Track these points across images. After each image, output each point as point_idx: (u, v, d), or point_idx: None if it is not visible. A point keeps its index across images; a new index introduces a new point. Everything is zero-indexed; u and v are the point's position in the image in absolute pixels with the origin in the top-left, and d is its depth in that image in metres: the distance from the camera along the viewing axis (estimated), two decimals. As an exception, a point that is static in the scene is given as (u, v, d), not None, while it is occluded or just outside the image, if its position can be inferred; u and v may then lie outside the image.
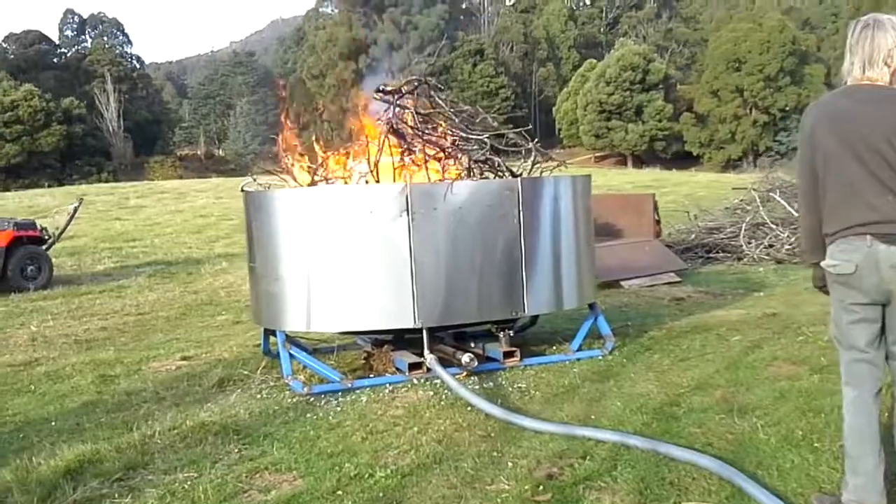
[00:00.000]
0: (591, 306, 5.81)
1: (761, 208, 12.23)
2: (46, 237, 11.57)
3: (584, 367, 5.25)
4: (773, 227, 11.72)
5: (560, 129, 64.62)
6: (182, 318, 8.49)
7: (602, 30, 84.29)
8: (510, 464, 3.62)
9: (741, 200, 13.48)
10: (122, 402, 5.14)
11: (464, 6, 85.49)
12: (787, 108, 59.71)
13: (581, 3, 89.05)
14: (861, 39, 2.86)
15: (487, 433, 4.05)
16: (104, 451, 4.06)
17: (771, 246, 11.41)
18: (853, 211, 2.81)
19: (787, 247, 11.12)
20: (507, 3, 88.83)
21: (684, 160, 60.58)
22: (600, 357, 5.49)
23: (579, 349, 5.58)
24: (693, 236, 12.55)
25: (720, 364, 5.13)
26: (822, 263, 2.93)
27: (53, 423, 4.75)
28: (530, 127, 6.02)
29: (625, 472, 3.46)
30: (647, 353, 5.58)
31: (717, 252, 11.83)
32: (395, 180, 5.31)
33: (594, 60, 66.29)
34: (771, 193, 12.52)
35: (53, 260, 12.02)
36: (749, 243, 11.59)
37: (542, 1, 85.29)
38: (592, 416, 4.23)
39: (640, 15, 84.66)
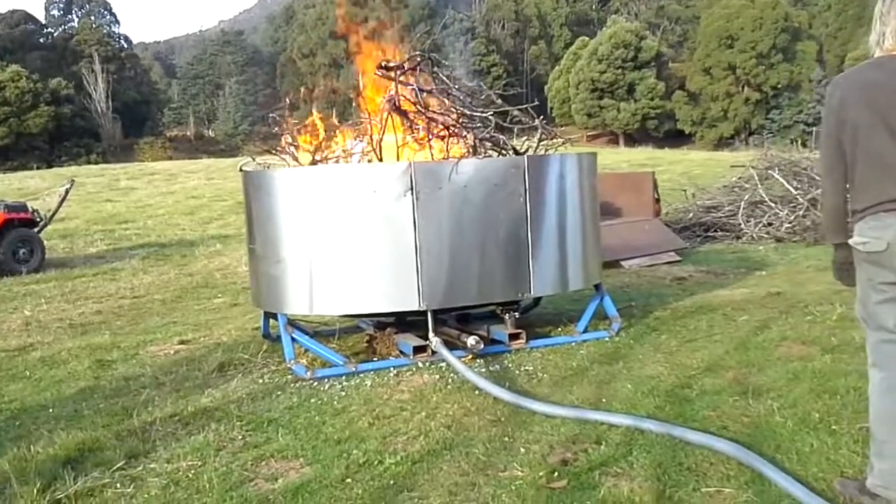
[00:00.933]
0: (597, 287, 5.72)
1: (760, 186, 12.15)
2: (38, 219, 11.40)
3: (591, 349, 5.17)
4: (772, 205, 11.65)
5: (552, 108, 64.32)
6: (178, 301, 8.37)
7: (594, 7, 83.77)
8: (522, 449, 3.54)
9: (739, 178, 13.39)
10: (121, 388, 5.03)
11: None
12: (780, 86, 59.62)
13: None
14: (892, 8, 2.74)
15: (497, 418, 3.96)
16: (104, 439, 3.96)
17: (770, 224, 11.34)
18: (885, 186, 2.71)
19: (786, 225, 11.06)
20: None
21: (676, 138, 60.50)
22: (607, 338, 5.40)
23: (585, 330, 5.50)
24: (691, 215, 12.47)
25: (729, 345, 5.05)
26: (851, 241, 2.83)
27: (51, 410, 4.64)
28: (536, 103, 5.88)
29: (640, 457, 3.38)
30: (654, 333, 5.50)
31: (716, 231, 11.77)
32: (398, 159, 5.18)
33: (586, 38, 65.91)
34: (769, 171, 12.43)
35: (46, 242, 11.87)
36: (748, 222, 11.52)
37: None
38: (603, 400, 4.14)
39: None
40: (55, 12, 77.77)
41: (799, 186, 11.84)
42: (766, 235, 11.10)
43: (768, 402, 3.89)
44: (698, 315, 5.99)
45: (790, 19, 60.80)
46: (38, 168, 39.51)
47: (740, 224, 11.51)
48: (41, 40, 72.32)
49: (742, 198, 12.12)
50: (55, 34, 74.68)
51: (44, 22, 75.22)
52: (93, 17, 76.10)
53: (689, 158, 29.72)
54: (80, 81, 61.91)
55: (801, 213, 11.21)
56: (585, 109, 61.66)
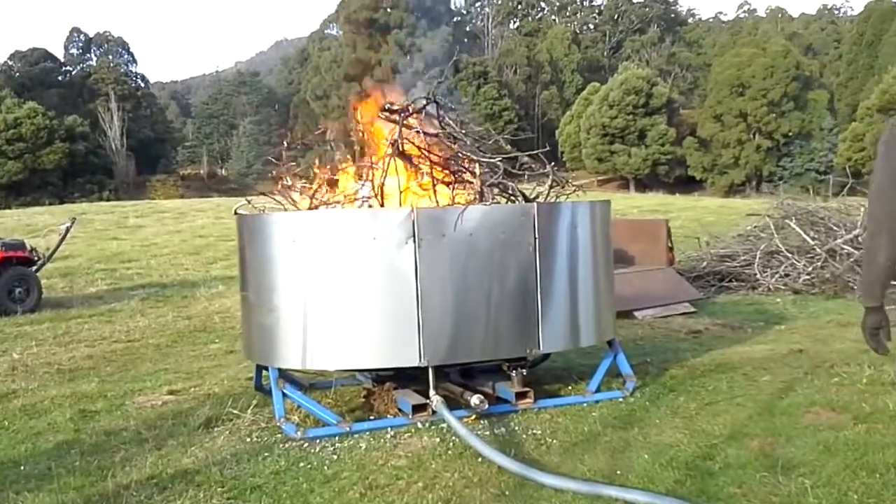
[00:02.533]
0: (610, 343, 5.39)
1: (776, 236, 11.83)
2: (36, 258, 11.16)
3: (604, 411, 4.82)
4: (789, 255, 11.32)
5: (563, 153, 64.40)
6: (173, 346, 8.07)
7: (605, 53, 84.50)
8: (528, 530, 3.20)
9: (755, 227, 13.08)
10: (101, 444, 4.71)
11: (468, 29, 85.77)
12: (791, 134, 59.55)
13: (584, 27, 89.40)
14: None
15: (501, 491, 3.62)
16: (72, 506, 3.64)
17: (787, 275, 10.99)
18: None
19: (804, 277, 10.71)
20: (511, 26, 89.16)
21: (687, 185, 60.35)
22: (621, 399, 5.05)
23: (598, 390, 5.15)
24: (705, 264, 12.12)
25: (752, 409, 4.69)
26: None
27: (22, 468, 4.33)
28: (547, 149, 5.63)
29: (660, 542, 3.03)
30: (671, 395, 5.14)
31: (730, 280, 11.41)
32: (400, 204, 4.92)
33: (597, 84, 66.23)
34: (786, 220, 12.12)
35: (45, 281, 11.62)
36: (764, 272, 11.17)
37: (545, 24, 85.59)
38: (618, 471, 3.79)
39: (643, 39, 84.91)
40: (74, 51, 79.00)
41: (816, 237, 11.51)
42: (783, 287, 10.73)
43: (799, 479, 3.53)
44: (717, 374, 5.63)
45: (801, 68, 60.97)
46: (50, 204, 39.63)
47: (756, 274, 11.16)
48: (59, 78, 73.21)
49: (758, 247, 11.79)
50: (73, 72, 75.67)
51: (62, 60, 76.28)
52: (111, 57, 77.24)
53: (702, 205, 29.42)
54: (95, 119, 62.50)
55: (819, 264, 10.86)
56: (596, 154, 61.69)
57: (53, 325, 9.49)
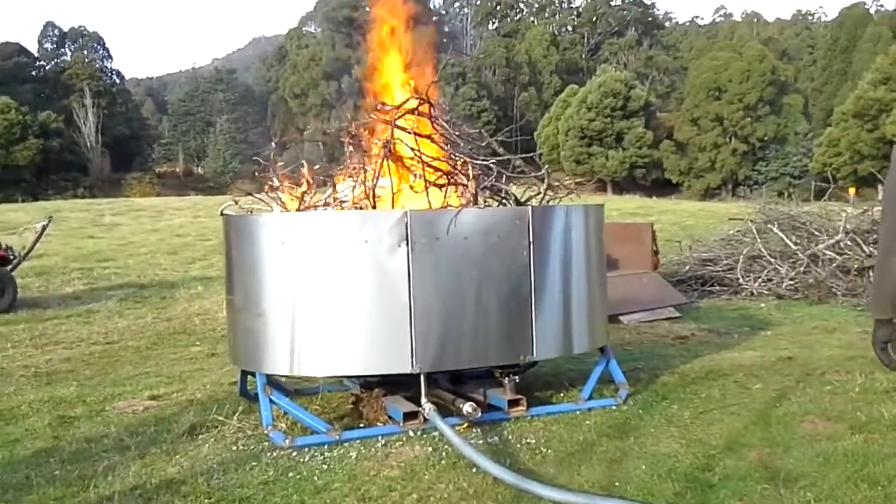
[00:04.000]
0: (603, 349, 5.32)
1: (758, 240, 11.87)
2: (11, 257, 10.91)
3: (598, 419, 4.75)
4: (771, 260, 11.35)
5: (541, 154, 64.45)
6: (153, 349, 7.90)
7: (583, 56, 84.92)
8: (529, 545, 3.11)
9: (736, 231, 13.12)
10: (81, 451, 4.56)
11: (447, 29, 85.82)
12: (766, 138, 60.24)
13: (563, 29, 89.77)
14: None
15: (498, 503, 3.53)
16: (53, 518, 3.50)
17: (770, 280, 11.02)
18: None
19: (787, 282, 10.74)
20: (490, 27, 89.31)
21: (664, 188, 60.82)
22: (614, 407, 4.98)
23: (590, 397, 5.07)
24: (687, 268, 12.13)
25: (747, 418, 4.64)
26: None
27: (-1, 477, 4.18)
28: (541, 152, 5.54)
29: (665, 558, 2.96)
30: (664, 402, 5.08)
31: (713, 285, 11.43)
32: (393, 207, 4.81)
33: (576, 86, 66.52)
34: (768, 225, 12.16)
35: (20, 280, 11.37)
36: (747, 277, 11.19)
37: (524, 25, 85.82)
38: (616, 483, 3.72)
39: (621, 42, 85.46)
40: (48, 45, 78.03)
41: (798, 241, 11.56)
42: (766, 291, 10.75)
43: (801, 492, 3.48)
44: (709, 381, 5.58)
45: (777, 72, 61.74)
46: (23, 201, 39.04)
47: (739, 279, 11.18)
48: (33, 73, 72.31)
49: (740, 251, 11.81)
50: (47, 67, 74.73)
51: (36, 55, 75.29)
52: (86, 52, 76.40)
53: (681, 208, 29.59)
54: (70, 115, 61.77)
55: (801, 269, 10.90)
56: (574, 156, 61.98)
57: (30, 325, 9.27)
